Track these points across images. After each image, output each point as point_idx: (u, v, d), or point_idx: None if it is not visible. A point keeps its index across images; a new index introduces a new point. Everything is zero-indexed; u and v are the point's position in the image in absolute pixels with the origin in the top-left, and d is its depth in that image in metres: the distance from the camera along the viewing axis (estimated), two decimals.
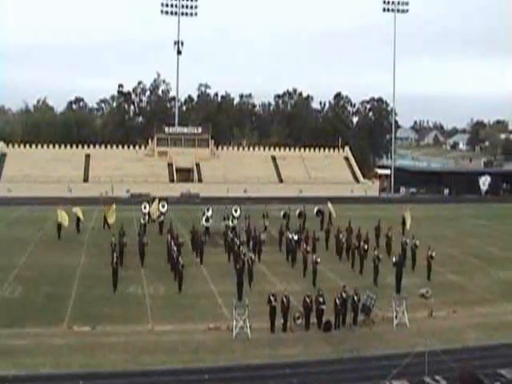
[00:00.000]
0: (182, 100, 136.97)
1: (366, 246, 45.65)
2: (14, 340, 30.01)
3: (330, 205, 64.32)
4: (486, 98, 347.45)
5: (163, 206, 61.81)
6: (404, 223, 60.04)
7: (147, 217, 59.00)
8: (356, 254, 46.62)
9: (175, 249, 43.47)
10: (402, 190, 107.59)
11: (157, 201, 62.06)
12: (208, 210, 59.34)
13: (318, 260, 41.29)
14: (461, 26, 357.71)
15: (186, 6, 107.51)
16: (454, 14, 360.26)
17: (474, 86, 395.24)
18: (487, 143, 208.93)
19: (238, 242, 47.34)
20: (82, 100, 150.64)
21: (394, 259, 40.93)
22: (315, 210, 65.47)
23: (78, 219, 59.11)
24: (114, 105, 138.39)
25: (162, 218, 59.56)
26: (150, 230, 56.21)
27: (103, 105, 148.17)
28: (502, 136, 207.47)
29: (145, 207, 61.09)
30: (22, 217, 69.45)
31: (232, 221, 56.93)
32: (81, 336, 31.00)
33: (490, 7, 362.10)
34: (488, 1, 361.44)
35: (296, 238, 48.67)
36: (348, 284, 35.99)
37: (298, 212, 63.75)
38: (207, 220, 56.75)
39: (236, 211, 59.96)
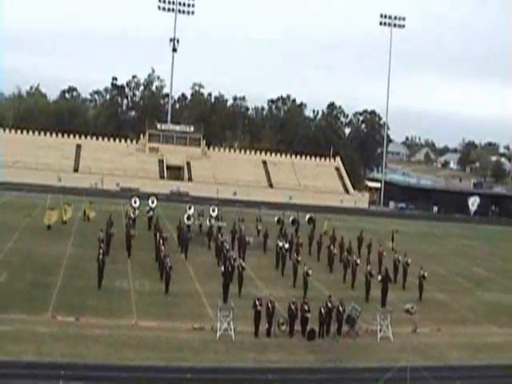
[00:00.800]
0: (176, 97, 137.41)
1: (358, 261, 45.05)
2: None
3: (326, 223, 63.70)
4: (479, 120, 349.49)
5: (152, 202, 61.59)
6: (393, 239, 59.80)
7: (137, 211, 58.75)
8: (347, 266, 46.04)
9: (163, 248, 43.00)
10: (392, 204, 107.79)
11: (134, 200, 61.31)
12: (190, 208, 59.14)
13: (310, 272, 40.53)
14: (457, 46, 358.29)
15: (184, 4, 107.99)
16: (449, 33, 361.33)
17: (468, 106, 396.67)
18: (478, 164, 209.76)
19: (226, 246, 46.92)
20: (75, 89, 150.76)
21: (379, 277, 40.78)
22: (307, 217, 65.50)
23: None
24: (108, 97, 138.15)
25: (151, 213, 59.39)
26: (138, 225, 56.00)
27: (96, 96, 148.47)
28: (493, 158, 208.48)
29: (135, 202, 60.77)
30: (10, 202, 69.15)
31: (209, 220, 56.88)
32: (64, 326, 30.71)
33: (485, 29, 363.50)
34: (483, 22, 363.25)
35: (287, 246, 48.14)
36: (334, 294, 35.89)
37: (291, 219, 63.70)
38: (188, 218, 56.72)
39: (214, 211, 59.33)
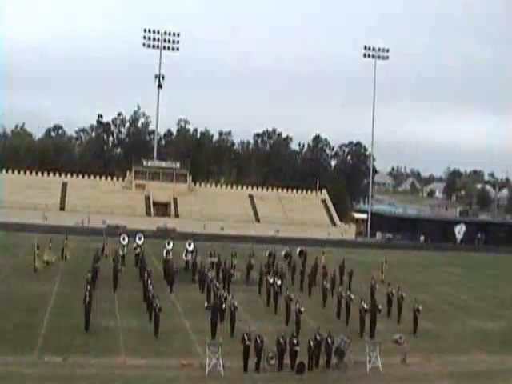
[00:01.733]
0: (162, 134, 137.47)
1: (352, 296, 43.71)
2: None
3: (323, 256, 63.65)
4: (464, 148, 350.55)
5: (140, 238, 61.64)
6: (382, 271, 59.71)
7: (126, 248, 58.67)
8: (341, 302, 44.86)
9: (151, 288, 42.36)
10: (378, 234, 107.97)
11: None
12: (169, 243, 59.62)
13: (302, 309, 39.69)
14: (440, 75, 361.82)
15: (168, 41, 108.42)
16: (432, 62, 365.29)
17: (453, 135, 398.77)
18: (463, 192, 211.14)
19: (216, 284, 46.51)
20: (60, 128, 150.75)
21: (364, 305, 40.63)
22: (297, 250, 65.50)
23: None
24: (93, 135, 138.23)
25: (138, 249, 59.31)
26: (126, 262, 56.07)
27: (82, 134, 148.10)
28: (478, 186, 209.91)
29: (123, 239, 60.87)
30: None
31: (186, 255, 57.56)
32: (52, 366, 30.47)
33: (468, 57, 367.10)
34: (466, 51, 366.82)
35: (279, 282, 47.12)
36: (325, 327, 35.84)
37: (284, 253, 63.62)
38: (167, 253, 57.19)
39: (190, 245, 59.77)
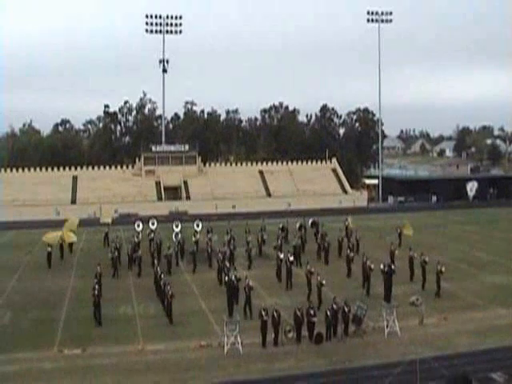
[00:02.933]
0: (169, 118, 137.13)
1: (372, 266, 42.78)
2: (3, 366, 29.77)
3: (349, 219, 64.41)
4: (472, 104, 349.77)
5: (153, 224, 62.02)
6: (400, 237, 59.38)
7: (140, 235, 58.94)
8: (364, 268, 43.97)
9: (162, 276, 41.81)
10: (390, 199, 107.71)
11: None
12: (177, 226, 60.79)
13: (323, 282, 39.38)
14: (445, 33, 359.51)
15: (171, 24, 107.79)
16: (437, 22, 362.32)
17: (460, 93, 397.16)
18: (473, 149, 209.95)
19: (227, 264, 46.09)
20: (68, 122, 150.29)
21: (381, 266, 40.47)
22: (310, 221, 65.54)
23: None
24: (101, 125, 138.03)
25: (152, 235, 59.50)
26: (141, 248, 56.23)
27: (89, 126, 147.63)
28: (488, 141, 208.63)
29: (138, 225, 61.30)
30: (9, 241, 69.17)
31: (195, 235, 57.92)
32: (71, 359, 30.80)
33: (472, 16, 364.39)
34: (470, 10, 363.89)
35: (291, 258, 46.04)
36: (339, 295, 35.94)
37: (298, 225, 63.65)
38: (176, 235, 58.56)
39: (198, 226, 61.30)
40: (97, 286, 37.92)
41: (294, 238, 57.00)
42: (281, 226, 62.96)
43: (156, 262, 47.23)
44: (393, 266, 39.41)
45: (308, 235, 61.12)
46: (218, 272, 46.94)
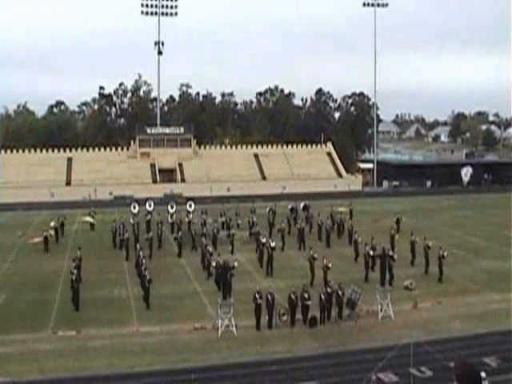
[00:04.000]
0: (164, 100, 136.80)
1: (371, 252, 42.58)
2: None
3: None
4: (467, 90, 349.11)
5: (150, 206, 62.23)
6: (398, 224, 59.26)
7: (136, 217, 58.93)
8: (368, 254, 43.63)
9: (144, 261, 41.36)
10: (385, 183, 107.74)
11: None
12: (172, 207, 61.86)
13: (330, 265, 39.20)
14: (440, 19, 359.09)
15: (166, 6, 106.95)
16: (432, 6, 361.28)
17: (455, 79, 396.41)
18: (468, 134, 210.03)
19: (209, 249, 45.58)
20: (62, 103, 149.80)
21: (375, 251, 40.30)
22: (301, 205, 65.69)
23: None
24: (96, 107, 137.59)
25: (149, 216, 59.60)
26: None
27: (84, 108, 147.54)
28: (483, 127, 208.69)
29: (134, 207, 61.24)
30: (4, 223, 69.04)
31: (187, 216, 59.00)
32: (66, 340, 30.87)
33: (468, 1, 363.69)
34: None
35: (273, 244, 45.52)
36: (334, 279, 36.06)
37: (289, 207, 64.04)
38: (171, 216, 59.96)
39: (190, 206, 62.08)
40: (75, 271, 37.77)
41: (281, 222, 56.84)
42: (268, 209, 62.94)
43: (138, 245, 46.45)
44: (391, 252, 39.56)
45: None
46: (201, 256, 46.34)
